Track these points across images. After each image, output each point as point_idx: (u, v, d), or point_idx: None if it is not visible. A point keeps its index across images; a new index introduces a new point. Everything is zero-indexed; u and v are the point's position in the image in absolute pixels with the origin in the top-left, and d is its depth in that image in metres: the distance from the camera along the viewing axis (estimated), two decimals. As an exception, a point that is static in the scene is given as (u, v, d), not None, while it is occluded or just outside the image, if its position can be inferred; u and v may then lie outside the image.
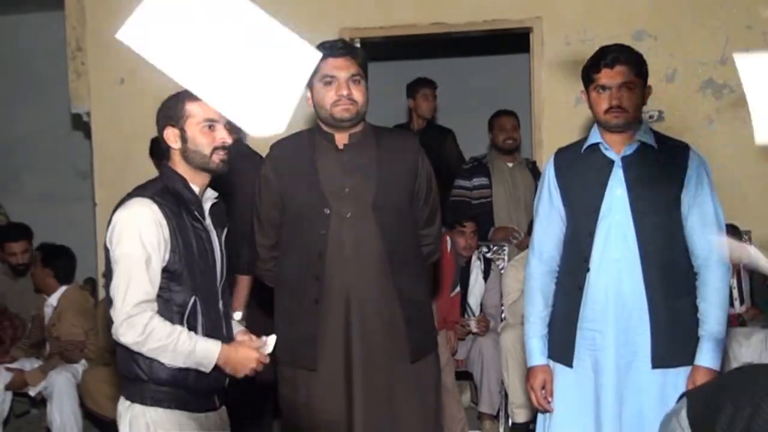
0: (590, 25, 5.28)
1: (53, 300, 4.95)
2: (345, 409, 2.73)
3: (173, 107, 2.41)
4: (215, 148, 2.38)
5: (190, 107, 2.38)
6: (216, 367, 2.36)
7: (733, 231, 4.73)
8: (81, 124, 6.24)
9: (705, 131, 5.16)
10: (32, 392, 4.85)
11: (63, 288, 4.96)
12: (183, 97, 2.39)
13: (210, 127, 2.38)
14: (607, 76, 2.68)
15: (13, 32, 8.18)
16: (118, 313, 2.27)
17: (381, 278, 2.76)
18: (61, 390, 4.70)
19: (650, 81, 2.80)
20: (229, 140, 2.41)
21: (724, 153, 4.97)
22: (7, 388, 4.79)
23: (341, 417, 2.73)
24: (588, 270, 2.73)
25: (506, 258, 5.08)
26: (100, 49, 5.82)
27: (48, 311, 4.98)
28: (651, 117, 5.10)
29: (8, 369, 4.85)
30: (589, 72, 2.74)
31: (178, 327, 2.30)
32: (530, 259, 2.89)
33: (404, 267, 2.81)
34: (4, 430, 4.89)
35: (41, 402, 4.99)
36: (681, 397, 2.38)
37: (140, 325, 2.25)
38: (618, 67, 2.68)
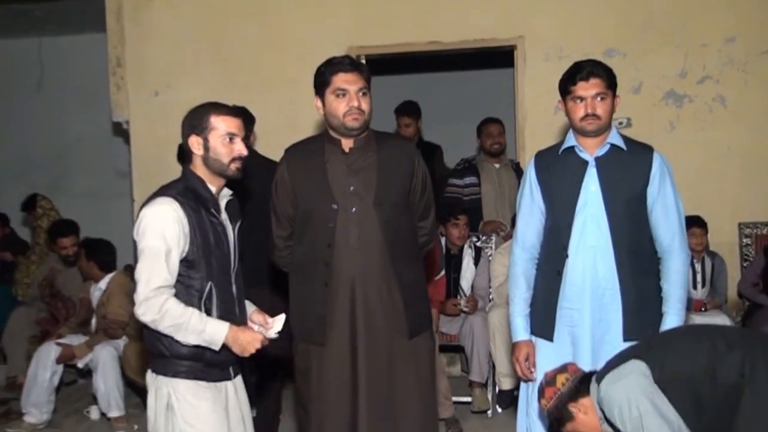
0: (567, 44, 5.28)
1: (102, 284, 4.94)
2: (350, 378, 2.72)
3: (199, 118, 2.42)
4: (233, 159, 2.41)
5: (215, 121, 2.40)
6: (224, 347, 2.37)
7: (697, 221, 4.73)
8: (121, 131, 6.24)
9: (667, 136, 5.15)
10: (80, 364, 4.85)
11: (111, 274, 4.96)
12: (209, 109, 2.43)
13: (230, 139, 2.40)
14: (583, 88, 2.68)
15: (62, 52, 8.23)
16: (139, 295, 2.29)
17: (382, 265, 2.75)
18: (105, 362, 4.70)
19: (619, 92, 2.80)
20: (245, 152, 2.43)
21: (684, 155, 4.95)
22: (58, 361, 4.79)
23: (347, 386, 2.72)
24: (567, 256, 2.73)
25: (493, 247, 5.10)
26: (137, 66, 5.86)
27: (96, 294, 4.98)
28: (620, 123, 5.09)
29: (58, 344, 4.86)
30: (567, 84, 2.73)
31: (191, 309, 2.31)
32: (514, 248, 2.89)
33: (402, 255, 2.80)
34: (56, 397, 4.90)
35: (87, 373, 4.99)
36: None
37: (157, 306, 2.26)
38: (592, 80, 2.68)
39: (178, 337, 2.30)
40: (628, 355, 2.36)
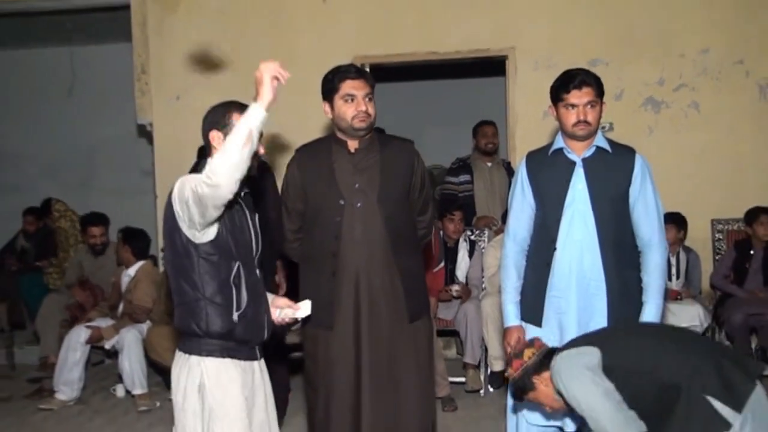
0: (555, 54, 5.27)
1: (131, 271, 4.95)
2: (354, 360, 2.73)
3: (221, 114, 2.33)
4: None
5: (238, 117, 2.29)
6: (257, 323, 2.31)
7: (674, 219, 4.72)
8: (145, 133, 6.24)
9: (646, 139, 5.14)
10: (107, 345, 4.86)
11: (140, 263, 4.97)
12: (230, 107, 2.33)
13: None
14: (576, 96, 2.66)
15: (92, 60, 8.23)
16: (201, 179, 2.06)
17: (384, 256, 2.75)
18: (130, 344, 4.71)
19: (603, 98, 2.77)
20: (262, 151, 2.32)
21: (661, 156, 4.93)
22: (87, 342, 4.80)
23: (352, 366, 2.73)
24: (555, 249, 2.72)
25: (486, 240, 5.09)
26: (160, 73, 5.86)
27: (125, 280, 4.99)
28: (603, 127, 5.04)
29: (87, 327, 4.86)
30: (559, 92, 2.70)
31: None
32: (506, 241, 2.87)
33: (403, 247, 2.80)
34: (85, 376, 4.91)
35: (114, 354, 5.00)
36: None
37: (203, 176, 2.06)
38: (585, 88, 2.66)
39: (234, 154, 2.02)
40: (588, 340, 2.36)
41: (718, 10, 5.24)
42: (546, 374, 2.34)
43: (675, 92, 5.30)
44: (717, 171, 5.24)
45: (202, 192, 2.06)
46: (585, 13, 5.38)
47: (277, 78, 2.15)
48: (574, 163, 2.73)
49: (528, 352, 2.40)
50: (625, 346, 2.28)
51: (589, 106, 2.66)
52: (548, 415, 2.70)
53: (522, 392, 2.40)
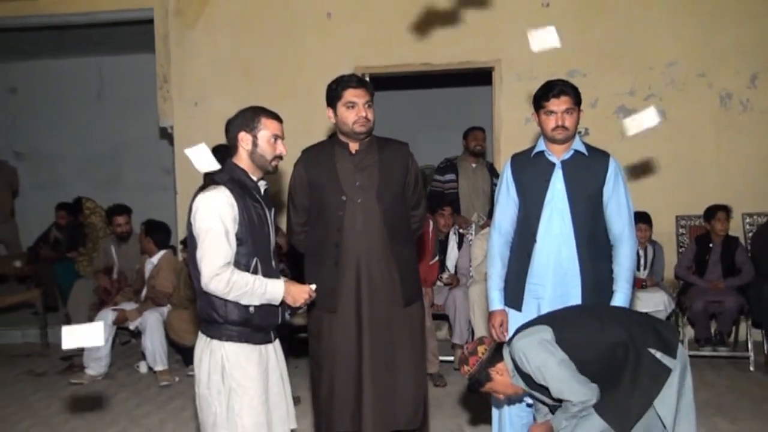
0: (536, 66, 5.25)
1: (155, 259, 4.94)
2: (356, 339, 2.72)
3: (251, 118, 2.34)
4: (275, 156, 2.34)
5: (265, 122, 2.33)
6: (272, 311, 2.32)
7: (643, 217, 4.72)
8: (166, 135, 6.22)
9: (618, 144, 5.07)
10: (131, 326, 4.85)
11: (163, 252, 4.95)
12: (260, 112, 2.34)
13: (275, 140, 2.33)
14: (555, 104, 2.65)
15: (118, 69, 8.22)
16: (207, 272, 2.20)
17: (382, 247, 2.73)
18: (152, 325, 4.70)
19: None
20: (285, 152, 2.35)
21: (632, 159, 4.94)
22: (114, 323, 4.78)
23: (353, 345, 2.72)
24: (535, 242, 2.71)
25: (473, 233, 5.08)
26: (180, 81, 5.85)
27: (149, 267, 4.97)
28: (580, 132, 5.04)
29: (114, 310, 4.85)
30: (540, 100, 2.70)
31: (251, 277, 2.24)
32: (492, 234, 2.86)
33: (399, 239, 2.78)
34: (112, 353, 4.91)
35: (137, 334, 4.99)
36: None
37: (224, 280, 2.19)
38: (563, 97, 2.65)
39: (244, 301, 2.24)
40: (538, 321, 2.38)
41: (683, 28, 5.24)
42: (500, 365, 2.35)
43: (644, 101, 5.28)
44: (681, 172, 5.24)
45: (216, 286, 2.22)
46: (564, 29, 5.22)
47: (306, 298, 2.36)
48: (553, 165, 2.72)
49: (481, 349, 2.39)
50: (571, 322, 2.33)
51: (566, 113, 2.65)
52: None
53: (479, 385, 2.39)
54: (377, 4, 5.57)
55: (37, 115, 8.59)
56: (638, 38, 5.28)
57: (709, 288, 4.71)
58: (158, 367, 4.67)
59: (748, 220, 5.14)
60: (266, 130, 2.33)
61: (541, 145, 2.76)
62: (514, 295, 2.78)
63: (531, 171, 2.75)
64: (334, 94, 2.74)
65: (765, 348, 4.62)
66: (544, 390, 2.28)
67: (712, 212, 4.83)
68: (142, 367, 4.91)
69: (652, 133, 5.23)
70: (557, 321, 2.34)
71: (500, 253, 2.82)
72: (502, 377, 2.35)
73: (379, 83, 5.10)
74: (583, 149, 2.73)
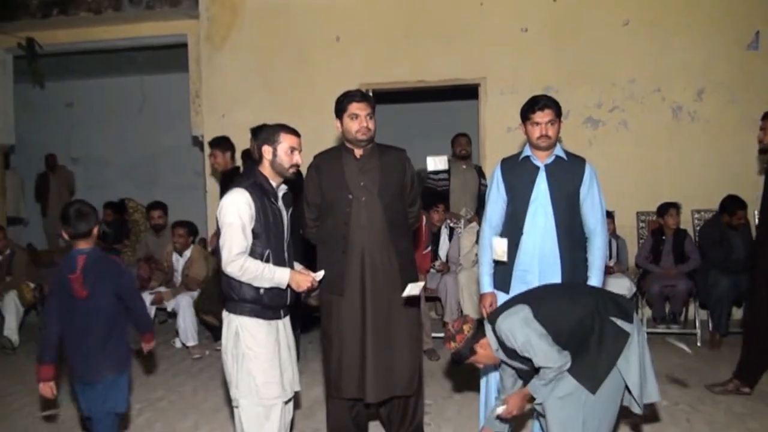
0: (517, 82, 5.23)
1: (187, 252, 4.91)
2: (360, 319, 2.67)
3: (272, 133, 2.40)
4: (292, 165, 2.40)
5: (284, 136, 2.39)
6: (281, 293, 2.37)
7: (607, 212, 4.68)
8: (198, 143, 6.20)
9: (586, 150, 5.01)
10: (168, 307, 4.81)
11: (192, 246, 4.94)
12: (279, 129, 2.41)
13: (292, 151, 2.39)
14: (539, 116, 2.64)
15: (157, 86, 8.22)
16: (225, 257, 2.28)
17: (383, 238, 2.69)
18: (185, 306, 4.65)
19: (555, 118, 2.71)
20: (300, 162, 2.41)
21: (598, 163, 4.79)
22: (151, 303, 4.74)
23: (358, 324, 2.68)
24: (522, 234, 2.67)
25: (462, 227, 5.02)
26: (210, 96, 5.83)
27: (182, 260, 4.94)
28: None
29: (151, 293, 4.80)
30: (527, 113, 2.69)
31: (262, 264, 2.30)
32: (483, 226, 2.80)
33: (398, 232, 2.74)
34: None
35: (173, 314, 4.94)
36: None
37: (239, 265, 2.27)
38: (546, 110, 2.64)
39: (255, 283, 2.31)
40: (516, 300, 2.32)
41: (641, 50, 5.19)
42: (483, 340, 2.29)
43: (609, 113, 5.24)
44: (640, 174, 5.18)
45: (231, 269, 2.27)
46: (540, 51, 5.31)
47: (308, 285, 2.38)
48: (538, 168, 2.69)
49: (466, 327, 2.32)
50: (546, 299, 2.31)
51: (549, 124, 2.64)
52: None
53: (464, 358, 2.33)
54: (379, 30, 5.53)
55: (89, 126, 8.64)
56: (604, 59, 5.22)
57: (663, 274, 4.65)
58: (190, 343, 4.61)
59: (696, 215, 5.08)
60: (284, 143, 2.38)
61: (527, 151, 2.73)
62: (502, 280, 2.74)
63: (518, 173, 2.71)
64: (340, 106, 2.71)
65: (710, 326, 4.58)
66: (525, 360, 2.24)
67: (664, 209, 4.77)
68: (177, 343, 4.84)
69: (615, 140, 5.26)
70: (534, 299, 2.31)
71: (490, 242, 2.77)
72: (486, 351, 2.32)
73: (380, 97, 5.05)
74: (563, 155, 2.71)
